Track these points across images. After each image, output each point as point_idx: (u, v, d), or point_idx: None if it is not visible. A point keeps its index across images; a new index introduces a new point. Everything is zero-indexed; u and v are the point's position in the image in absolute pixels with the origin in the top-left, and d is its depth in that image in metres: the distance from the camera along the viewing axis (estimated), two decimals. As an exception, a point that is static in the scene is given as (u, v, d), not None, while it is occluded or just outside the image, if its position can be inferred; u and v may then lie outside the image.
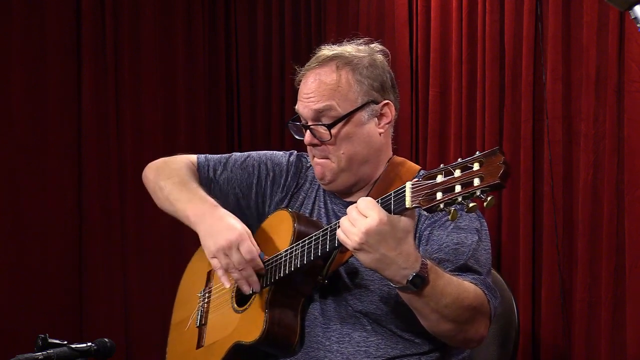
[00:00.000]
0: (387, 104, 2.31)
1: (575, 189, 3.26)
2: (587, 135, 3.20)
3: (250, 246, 2.21)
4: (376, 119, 2.30)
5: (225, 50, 4.64)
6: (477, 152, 1.78)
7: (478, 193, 1.75)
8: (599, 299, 3.15)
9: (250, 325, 2.23)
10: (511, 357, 2.81)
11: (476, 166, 1.76)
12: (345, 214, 2.27)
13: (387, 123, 2.32)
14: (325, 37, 4.26)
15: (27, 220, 4.12)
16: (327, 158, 2.28)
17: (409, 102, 3.83)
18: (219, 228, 2.25)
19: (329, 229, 2.08)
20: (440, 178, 1.81)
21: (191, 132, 4.52)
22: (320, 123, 2.25)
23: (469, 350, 2.32)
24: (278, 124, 4.49)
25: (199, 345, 2.42)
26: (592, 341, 3.17)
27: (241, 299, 2.32)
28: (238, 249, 2.21)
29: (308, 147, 2.32)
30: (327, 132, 2.24)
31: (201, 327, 2.42)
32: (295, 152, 2.49)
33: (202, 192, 2.39)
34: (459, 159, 1.81)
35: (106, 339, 2.10)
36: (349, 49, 2.33)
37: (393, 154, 2.39)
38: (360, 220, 1.91)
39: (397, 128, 3.90)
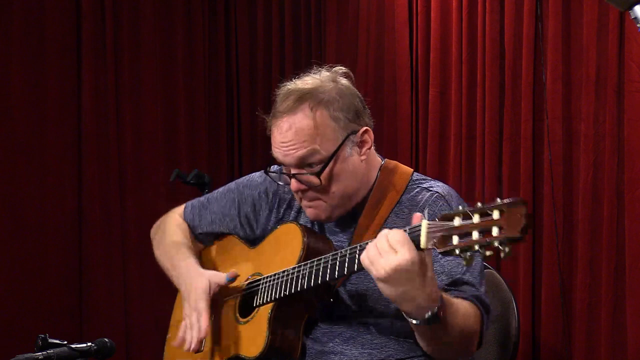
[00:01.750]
0: (365, 130, 2.23)
1: (575, 189, 3.26)
2: (587, 135, 3.20)
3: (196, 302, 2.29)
4: (357, 148, 2.22)
5: (225, 50, 4.64)
6: (498, 200, 1.73)
7: (496, 244, 1.70)
8: (599, 299, 3.15)
9: (252, 340, 2.22)
10: (511, 358, 2.80)
11: (496, 214, 1.71)
12: (338, 226, 2.27)
13: (368, 149, 2.25)
14: (325, 37, 4.27)
15: (27, 220, 4.12)
16: (318, 200, 2.22)
17: (409, 102, 3.83)
18: (186, 291, 2.36)
19: (346, 253, 2.05)
20: (457, 221, 1.77)
21: (191, 132, 4.52)
22: (306, 172, 2.18)
23: None
24: (278, 124, 4.48)
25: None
26: (592, 341, 3.17)
27: (245, 310, 2.31)
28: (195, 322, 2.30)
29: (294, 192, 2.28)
30: (316, 178, 2.17)
31: None
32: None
33: (182, 255, 2.47)
34: (478, 204, 1.76)
35: (106, 339, 2.10)
36: (310, 82, 2.22)
37: (384, 159, 2.34)
38: (390, 254, 1.87)
39: (397, 128, 3.92)
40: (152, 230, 2.66)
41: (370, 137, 2.24)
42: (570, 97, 3.29)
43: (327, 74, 2.26)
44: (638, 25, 1.63)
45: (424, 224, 1.84)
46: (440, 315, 1.93)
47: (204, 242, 2.54)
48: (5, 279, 4.06)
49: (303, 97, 2.19)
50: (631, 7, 1.62)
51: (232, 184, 2.50)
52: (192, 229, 2.54)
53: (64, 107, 4.22)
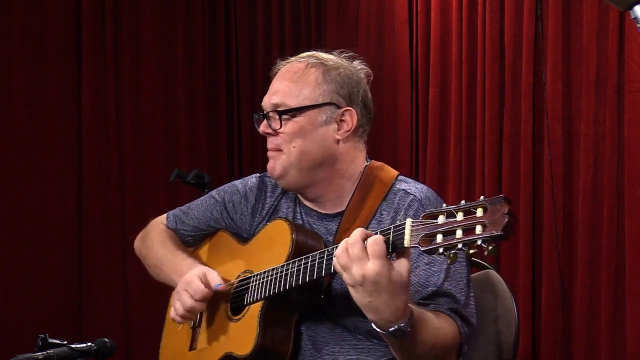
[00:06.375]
0: (348, 110, 2.20)
1: (575, 189, 3.26)
2: (587, 135, 3.20)
3: (197, 286, 2.28)
4: (335, 124, 2.20)
5: (225, 51, 4.65)
6: (482, 197, 1.72)
7: (479, 242, 1.68)
8: (599, 299, 3.15)
9: (243, 337, 2.22)
10: (511, 358, 2.80)
11: (479, 212, 1.69)
12: (320, 224, 2.25)
13: (347, 131, 2.20)
14: (326, 37, 4.27)
15: (27, 220, 4.13)
16: (279, 150, 2.24)
17: (409, 102, 3.84)
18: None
19: (332, 251, 2.01)
20: (441, 219, 1.75)
21: (191, 132, 4.52)
22: (275, 110, 2.22)
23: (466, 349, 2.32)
24: (278, 124, 4.49)
25: (192, 347, 2.42)
26: (592, 341, 3.18)
27: (237, 307, 2.32)
28: (186, 290, 2.29)
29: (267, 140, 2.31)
30: (279, 120, 2.21)
31: (195, 328, 2.42)
32: (257, 174, 2.46)
33: (179, 255, 2.48)
34: (462, 202, 1.75)
35: (106, 339, 2.10)
36: (332, 56, 2.28)
37: (370, 160, 2.30)
38: (363, 262, 1.82)
39: (397, 128, 3.93)
40: (137, 244, 2.65)
41: (352, 120, 2.20)
42: (570, 97, 3.29)
43: (351, 61, 2.29)
44: (638, 25, 1.63)
45: (408, 221, 1.82)
46: (407, 330, 1.90)
47: (194, 245, 2.54)
48: (5, 279, 4.06)
49: (311, 56, 2.27)
50: (631, 7, 1.62)
51: (213, 192, 2.51)
52: (179, 235, 2.54)
53: (64, 107, 4.22)
